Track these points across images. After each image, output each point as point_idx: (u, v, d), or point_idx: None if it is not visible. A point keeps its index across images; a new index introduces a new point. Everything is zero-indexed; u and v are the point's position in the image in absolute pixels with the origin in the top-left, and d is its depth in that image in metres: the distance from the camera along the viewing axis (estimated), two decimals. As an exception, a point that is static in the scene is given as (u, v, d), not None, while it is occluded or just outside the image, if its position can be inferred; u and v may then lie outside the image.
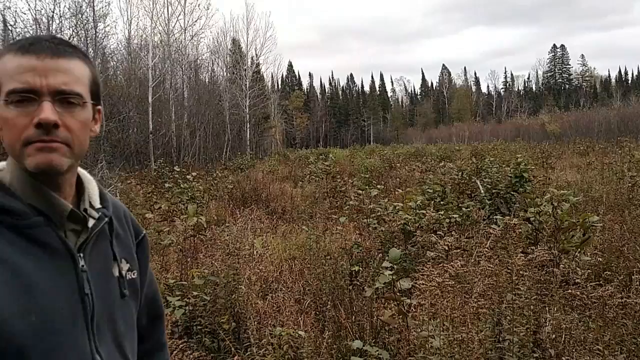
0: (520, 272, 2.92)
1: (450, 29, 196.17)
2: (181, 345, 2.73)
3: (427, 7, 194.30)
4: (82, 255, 0.90)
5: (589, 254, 4.79)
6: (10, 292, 0.77)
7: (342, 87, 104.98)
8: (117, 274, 0.97)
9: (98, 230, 0.94)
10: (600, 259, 4.67)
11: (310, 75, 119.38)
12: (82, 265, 0.89)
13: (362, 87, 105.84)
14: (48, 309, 0.82)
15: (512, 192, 7.71)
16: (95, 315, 0.90)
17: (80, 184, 0.97)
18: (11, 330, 0.76)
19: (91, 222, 0.93)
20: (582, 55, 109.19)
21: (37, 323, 0.79)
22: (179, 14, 27.24)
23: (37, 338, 0.79)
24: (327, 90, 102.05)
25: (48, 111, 0.83)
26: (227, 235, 5.26)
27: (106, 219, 0.96)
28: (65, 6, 16.39)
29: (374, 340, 3.48)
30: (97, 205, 0.97)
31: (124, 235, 1.04)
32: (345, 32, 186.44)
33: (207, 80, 34.47)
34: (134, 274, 1.02)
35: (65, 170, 0.87)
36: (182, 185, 9.52)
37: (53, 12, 15.62)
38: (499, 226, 4.78)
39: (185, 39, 28.13)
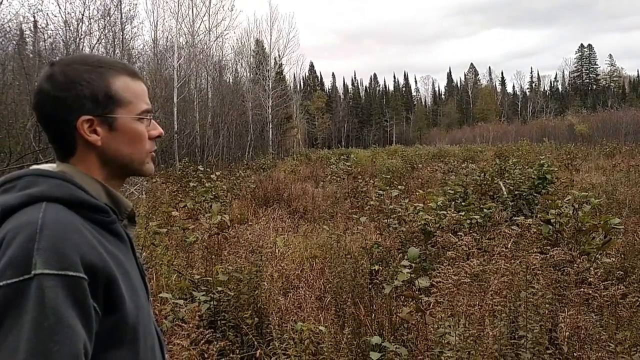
0: (535, 271, 2.97)
1: (469, 31, 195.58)
2: (208, 336, 2.85)
3: (444, 11, 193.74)
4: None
5: (610, 256, 4.77)
6: (123, 283, 0.93)
7: (365, 87, 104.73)
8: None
9: None
10: (614, 260, 4.65)
11: (333, 75, 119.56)
12: (136, 252, 1.07)
13: (386, 87, 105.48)
14: (137, 289, 0.99)
15: (534, 194, 7.68)
16: (148, 291, 1.08)
17: None
18: (131, 313, 0.93)
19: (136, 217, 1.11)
20: (610, 55, 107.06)
21: (137, 303, 0.97)
22: (204, 15, 27.70)
23: (139, 315, 0.96)
24: (349, 91, 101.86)
25: (160, 127, 1.08)
26: (250, 234, 5.39)
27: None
28: (94, 8, 16.59)
29: (392, 337, 3.56)
30: None
31: None
32: (365, 34, 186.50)
33: (230, 80, 34.89)
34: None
35: None
36: (206, 185, 9.69)
37: (83, 14, 16.00)
38: (519, 227, 4.80)
39: (209, 40, 28.59)
